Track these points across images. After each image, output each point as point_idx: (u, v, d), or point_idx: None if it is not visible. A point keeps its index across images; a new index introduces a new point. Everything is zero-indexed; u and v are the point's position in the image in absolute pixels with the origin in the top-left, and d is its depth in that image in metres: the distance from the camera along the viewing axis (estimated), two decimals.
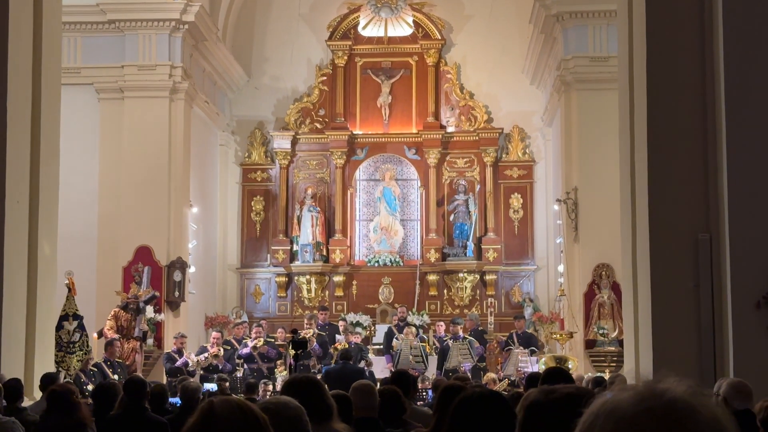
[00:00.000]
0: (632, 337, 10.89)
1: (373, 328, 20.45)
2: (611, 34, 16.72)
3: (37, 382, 10.14)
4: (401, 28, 22.01)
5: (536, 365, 15.47)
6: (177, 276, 17.97)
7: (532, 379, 7.00)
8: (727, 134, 9.72)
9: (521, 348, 16.63)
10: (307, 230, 21.29)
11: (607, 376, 13.34)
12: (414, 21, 22.01)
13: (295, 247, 21.50)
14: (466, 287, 21.41)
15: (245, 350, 16.99)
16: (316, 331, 17.41)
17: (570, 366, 14.35)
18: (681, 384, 1.58)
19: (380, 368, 17.15)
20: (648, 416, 1.52)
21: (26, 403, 9.00)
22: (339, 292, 21.51)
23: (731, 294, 9.57)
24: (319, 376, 13.06)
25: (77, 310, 12.72)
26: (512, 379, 15.26)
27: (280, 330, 18.40)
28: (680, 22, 10.21)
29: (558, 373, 5.59)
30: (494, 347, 17.63)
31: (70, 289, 12.85)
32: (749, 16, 9.83)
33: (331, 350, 17.14)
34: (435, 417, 4.81)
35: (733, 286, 9.55)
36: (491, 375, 14.83)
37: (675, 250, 9.99)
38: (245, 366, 16.82)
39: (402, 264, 21.64)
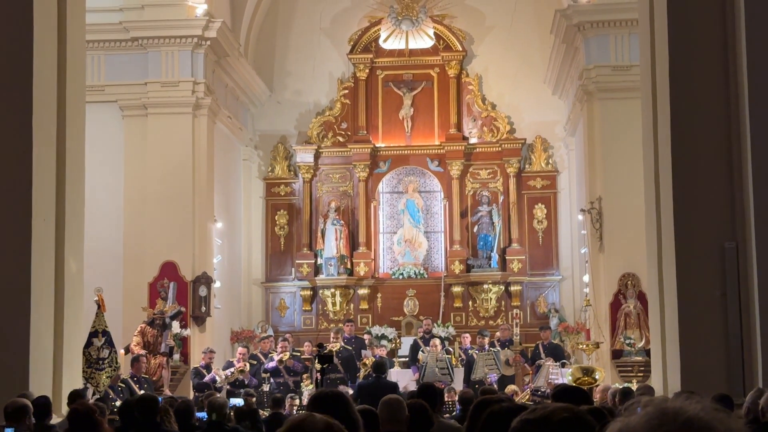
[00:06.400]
0: (659, 347, 10.81)
1: (398, 341, 20.41)
2: (633, 42, 16.65)
3: (65, 399, 10.19)
4: (422, 40, 22.02)
5: (566, 377, 15.39)
6: (202, 291, 18.04)
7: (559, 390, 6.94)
8: (752, 141, 9.65)
9: (552, 360, 16.55)
10: (331, 243, 21.30)
11: (634, 386, 13.24)
12: (435, 33, 22.02)
13: (319, 261, 21.51)
14: (491, 298, 21.35)
15: (271, 364, 17.02)
16: (342, 345, 17.39)
17: (597, 377, 14.26)
18: (693, 402, 1.55)
19: (406, 381, 17.11)
20: None
21: (55, 420, 9.04)
22: (364, 305, 21.50)
23: (759, 302, 9.49)
24: (350, 391, 12.99)
25: (106, 326, 12.76)
26: (543, 390, 15.20)
27: (306, 344, 18.42)
28: (702, 29, 10.16)
29: (574, 392, 5.46)
30: (519, 359, 17.55)
31: (100, 305, 12.89)
32: None
33: (359, 365, 17.12)
34: None
35: (761, 295, 9.48)
36: (513, 387, 14.78)
37: (701, 258, 9.92)
38: (271, 380, 16.85)
39: (426, 276, 21.61)
